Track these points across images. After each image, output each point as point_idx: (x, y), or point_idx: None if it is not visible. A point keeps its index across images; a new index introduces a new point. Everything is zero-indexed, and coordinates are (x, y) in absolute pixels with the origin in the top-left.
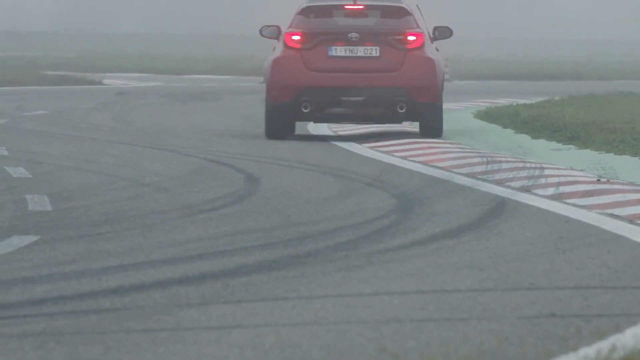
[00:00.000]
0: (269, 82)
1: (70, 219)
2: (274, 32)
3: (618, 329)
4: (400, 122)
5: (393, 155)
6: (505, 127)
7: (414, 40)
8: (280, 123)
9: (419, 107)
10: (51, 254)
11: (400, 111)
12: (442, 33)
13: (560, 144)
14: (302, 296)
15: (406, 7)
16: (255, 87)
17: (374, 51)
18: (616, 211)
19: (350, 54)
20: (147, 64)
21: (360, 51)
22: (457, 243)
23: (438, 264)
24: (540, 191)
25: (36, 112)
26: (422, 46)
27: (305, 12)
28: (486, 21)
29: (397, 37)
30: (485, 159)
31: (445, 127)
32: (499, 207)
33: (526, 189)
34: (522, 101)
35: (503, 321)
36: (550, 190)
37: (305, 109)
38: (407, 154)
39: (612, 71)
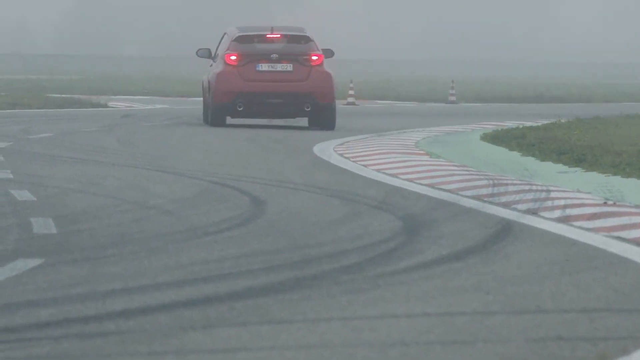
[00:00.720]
0: (214, 89)
1: (75, 241)
2: (207, 53)
3: (625, 351)
4: (305, 116)
5: (399, 178)
6: (511, 149)
7: (316, 59)
8: (221, 116)
9: (320, 106)
10: (56, 277)
11: (307, 109)
12: (326, 53)
13: (567, 167)
14: (308, 319)
15: (309, 35)
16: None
17: (289, 67)
18: (623, 234)
19: (272, 69)
20: (152, 86)
21: (279, 67)
22: (464, 266)
23: (444, 287)
24: (546, 214)
25: (41, 135)
26: (322, 64)
27: (239, 39)
28: (492, 43)
29: (304, 57)
30: (491, 182)
31: (451, 149)
32: (505, 230)
33: (532, 212)
34: (528, 123)
35: (509, 344)
36: (557, 213)
37: (240, 107)
38: (413, 177)
39: (619, 93)
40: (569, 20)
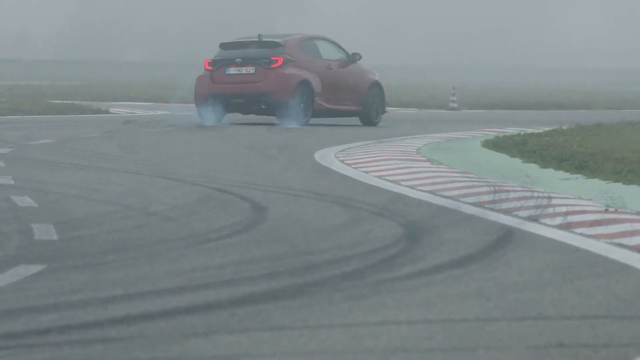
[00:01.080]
0: (194, 92)
1: (77, 248)
2: None
3: (626, 358)
4: (264, 114)
5: (400, 185)
6: (513, 156)
7: (275, 62)
8: (206, 116)
9: (276, 104)
10: (57, 283)
11: (263, 107)
12: (353, 57)
13: (568, 173)
14: (308, 325)
15: (280, 41)
16: (260, 117)
17: (251, 70)
18: (624, 241)
19: (238, 72)
20: (154, 92)
21: (244, 70)
22: (465, 272)
23: (445, 294)
24: (548, 220)
25: (42, 141)
26: (281, 66)
27: (222, 46)
28: (494, 49)
29: (265, 61)
30: (492, 188)
31: (452, 156)
32: (507, 237)
33: (534, 218)
34: (530, 130)
35: (510, 351)
36: (558, 220)
37: (210, 106)
38: (414, 183)
39: (620, 100)
40: (570, 26)
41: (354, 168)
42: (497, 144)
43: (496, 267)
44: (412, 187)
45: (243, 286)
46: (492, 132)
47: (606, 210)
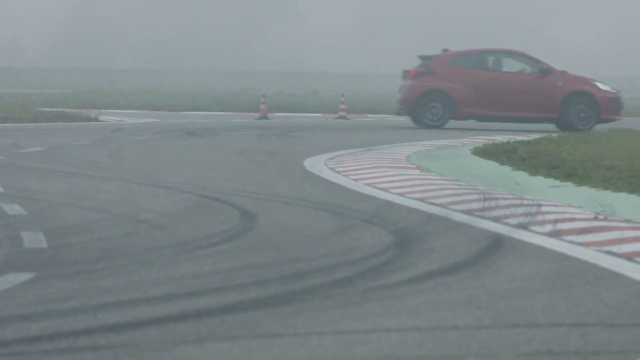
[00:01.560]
0: None
1: (66, 255)
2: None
3: None
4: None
5: (390, 192)
6: (502, 163)
7: (410, 74)
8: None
9: (404, 111)
10: (47, 291)
11: (400, 113)
12: (543, 72)
13: (557, 181)
14: (299, 333)
15: (427, 55)
16: (251, 123)
17: (403, 82)
18: (614, 248)
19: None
20: (144, 100)
21: (404, 82)
22: (455, 280)
23: (435, 301)
24: (537, 228)
25: (32, 149)
26: (413, 77)
27: (419, 58)
28: None
29: (407, 72)
30: (482, 196)
31: (442, 163)
32: (496, 244)
33: (523, 226)
34: (519, 138)
35: (500, 358)
36: (548, 227)
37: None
38: (404, 191)
39: None
40: (560, 33)
41: (344, 175)
42: (486, 152)
43: (486, 274)
44: (401, 194)
45: (233, 293)
46: (481, 140)
47: (596, 218)
